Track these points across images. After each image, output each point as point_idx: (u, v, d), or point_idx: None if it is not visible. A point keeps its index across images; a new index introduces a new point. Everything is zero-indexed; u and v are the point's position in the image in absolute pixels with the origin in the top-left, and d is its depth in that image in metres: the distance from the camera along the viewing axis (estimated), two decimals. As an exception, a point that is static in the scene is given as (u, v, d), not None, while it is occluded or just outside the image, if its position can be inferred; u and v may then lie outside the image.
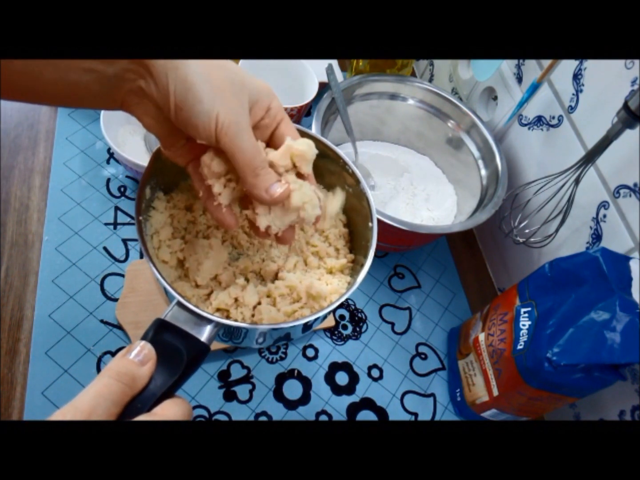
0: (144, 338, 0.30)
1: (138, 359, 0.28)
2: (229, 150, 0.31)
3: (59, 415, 0.25)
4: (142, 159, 0.55)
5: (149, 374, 0.28)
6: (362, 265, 0.39)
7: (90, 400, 0.25)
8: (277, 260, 0.43)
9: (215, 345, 0.54)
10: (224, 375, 0.55)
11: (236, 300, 0.38)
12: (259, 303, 0.39)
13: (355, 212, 0.45)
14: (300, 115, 0.69)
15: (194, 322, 0.32)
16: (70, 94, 0.31)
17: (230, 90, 0.31)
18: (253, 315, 0.38)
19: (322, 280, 0.42)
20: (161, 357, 0.29)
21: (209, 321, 0.32)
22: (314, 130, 0.58)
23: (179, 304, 0.32)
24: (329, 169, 0.45)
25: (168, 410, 0.27)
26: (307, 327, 0.39)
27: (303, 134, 0.40)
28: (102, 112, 0.59)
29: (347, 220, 0.47)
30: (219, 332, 0.35)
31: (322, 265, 0.44)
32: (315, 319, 0.36)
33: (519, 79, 0.63)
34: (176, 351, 0.30)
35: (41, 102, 0.32)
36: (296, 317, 0.39)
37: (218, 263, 0.41)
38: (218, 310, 0.38)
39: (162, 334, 0.31)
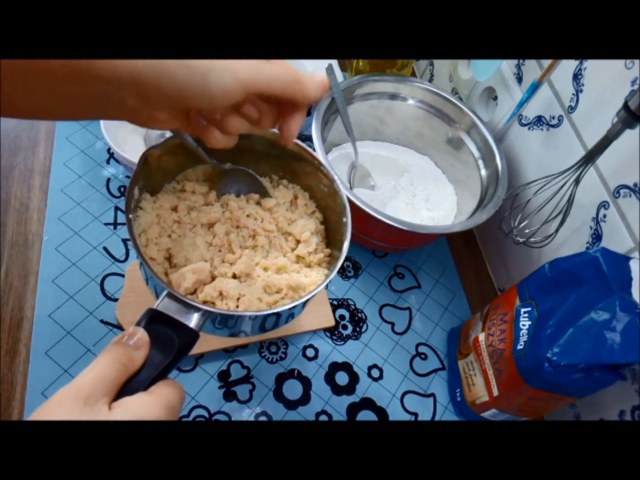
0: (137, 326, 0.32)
1: (132, 343, 0.30)
2: (265, 87, 0.31)
3: (59, 395, 0.26)
4: (142, 159, 0.55)
5: (143, 357, 0.30)
6: (337, 259, 0.42)
7: (91, 380, 0.27)
8: (258, 255, 0.46)
9: (215, 345, 0.55)
10: (224, 375, 0.55)
11: (221, 293, 0.41)
12: (244, 295, 0.41)
13: (331, 210, 0.48)
14: (300, 115, 0.69)
15: (183, 311, 0.34)
16: (68, 113, 0.31)
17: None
18: (238, 307, 0.41)
19: (301, 274, 0.45)
20: (154, 343, 0.31)
21: (197, 309, 0.34)
22: (314, 130, 0.58)
23: (169, 294, 0.34)
24: (304, 171, 0.48)
25: (163, 389, 0.30)
26: (290, 315, 0.43)
27: None
28: (102, 112, 0.59)
29: (324, 217, 0.50)
30: (215, 321, 0.37)
31: (301, 260, 0.47)
32: (295, 306, 0.39)
33: (519, 79, 0.63)
34: (168, 337, 0.32)
35: (42, 118, 0.32)
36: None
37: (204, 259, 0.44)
38: (204, 302, 0.40)
39: (154, 322, 0.33)
